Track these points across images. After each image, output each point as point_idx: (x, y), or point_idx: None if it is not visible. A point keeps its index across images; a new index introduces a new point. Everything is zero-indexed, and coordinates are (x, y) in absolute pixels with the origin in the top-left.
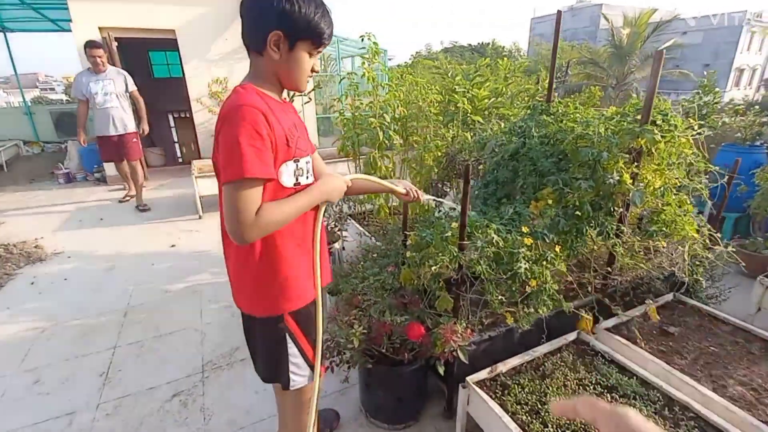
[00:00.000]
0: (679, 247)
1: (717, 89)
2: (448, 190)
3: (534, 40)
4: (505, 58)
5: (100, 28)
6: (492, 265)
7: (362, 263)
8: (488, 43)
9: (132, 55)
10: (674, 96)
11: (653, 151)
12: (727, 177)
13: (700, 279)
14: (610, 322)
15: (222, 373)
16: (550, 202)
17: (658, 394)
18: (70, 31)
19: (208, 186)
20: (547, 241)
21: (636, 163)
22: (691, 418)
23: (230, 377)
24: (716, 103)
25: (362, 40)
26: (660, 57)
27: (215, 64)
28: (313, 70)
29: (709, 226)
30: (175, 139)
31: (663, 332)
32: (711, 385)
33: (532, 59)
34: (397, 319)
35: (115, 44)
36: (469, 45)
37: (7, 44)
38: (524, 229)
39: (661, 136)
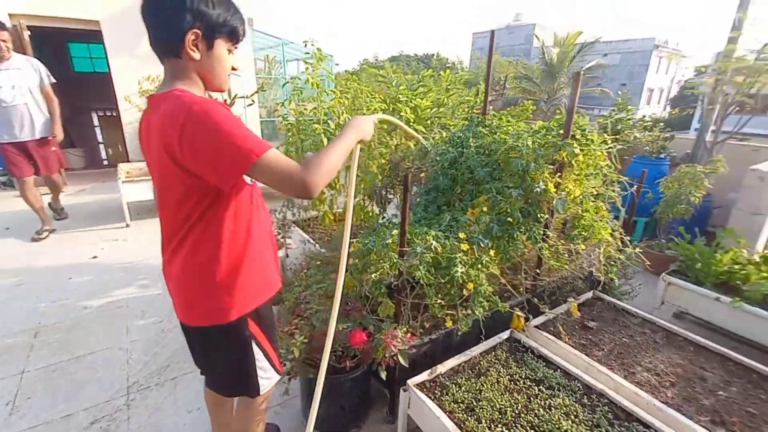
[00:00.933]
0: (596, 249)
1: (630, 107)
2: (392, 197)
3: (475, 54)
4: (448, 70)
5: (10, 15)
6: (431, 271)
7: (306, 271)
8: (433, 54)
9: (47, 46)
10: (597, 111)
11: (573, 162)
12: (636, 186)
13: (614, 277)
14: (539, 320)
15: (150, 394)
16: (485, 209)
17: (578, 384)
18: None
19: (137, 191)
20: (482, 246)
21: (559, 174)
22: (606, 404)
23: (159, 398)
24: (629, 119)
25: (305, 45)
26: (578, 78)
27: (147, 60)
28: (232, 68)
29: (621, 230)
30: (101, 140)
31: (584, 327)
32: (623, 373)
33: (473, 72)
34: (340, 326)
35: (27, 33)
36: (416, 55)
37: None
38: (461, 235)
39: (580, 150)
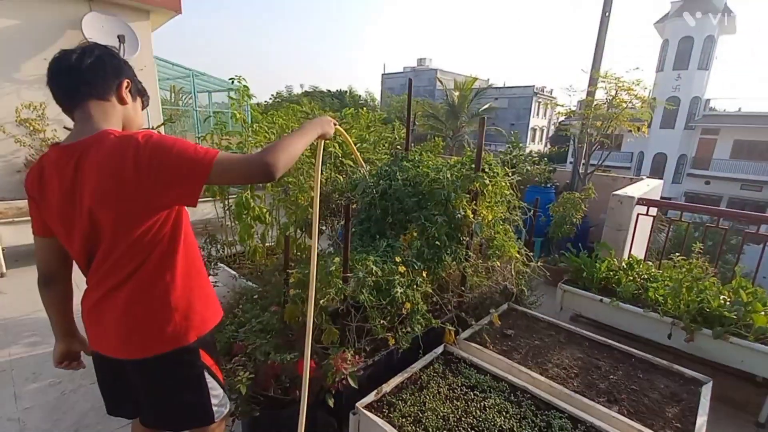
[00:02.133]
0: (508, 266)
1: (521, 144)
2: (324, 228)
3: (386, 93)
4: (365, 109)
5: None
6: (373, 293)
7: (240, 307)
8: (346, 91)
9: None
10: (494, 147)
11: (485, 192)
12: (533, 211)
13: (524, 288)
14: (467, 333)
15: None
16: (415, 234)
17: (505, 385)
18: None
19: (16, 234)
20: (416, 268)
21: (474, 202)
22: (529, 398)
23: None
24: (521, 155)
25: (232, 82)
26: (483, 122)
27: (28, 85)
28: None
29: (525, 249)
30: None
31: (503, 335)
32: (538, 370)
33: (385, 109)
34: (287, 357)
35: None
36: (329, 91)
37: None
38: (397, 259)
39: (489, 181)
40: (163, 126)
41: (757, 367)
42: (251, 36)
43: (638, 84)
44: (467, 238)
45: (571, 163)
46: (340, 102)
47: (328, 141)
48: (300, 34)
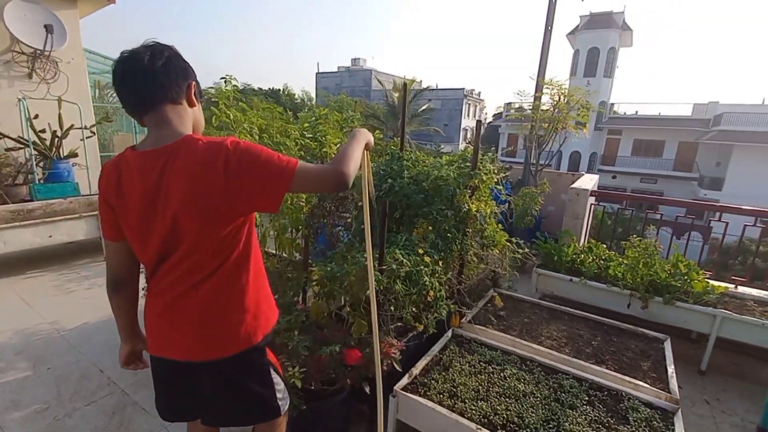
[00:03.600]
0: (498, 253)
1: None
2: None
3: (321, 92)
4: (336, 112)
5: None
6: (405, 283)
7: None
8: (278, 89)
9: None
10: (431, 145)
11: (480, 187)
12: (508, 204)
13: (516, 273)
14: (468, 316)
15: None
16: (430, 228)
17: (515, 357)
18: None
19: None
20: (435, 258)
21: (471, 197)
22: (537, 366)
23: None
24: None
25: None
26: (479, 124)
27: None
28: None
29: (515, 238)
30: None
31: (498, 316)
32: (535, 343)
33: (324, 108)
34: (335, 349)
35: None
36: (260, 89)
37: None
38: (420, 251)
39: (485, 177)
40: (95, 126)
41: (695, 324)
42: (184, 31)
43: (578, 91)
44: (470, 230)
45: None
46: (275, 100)
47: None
48: (233, 30)
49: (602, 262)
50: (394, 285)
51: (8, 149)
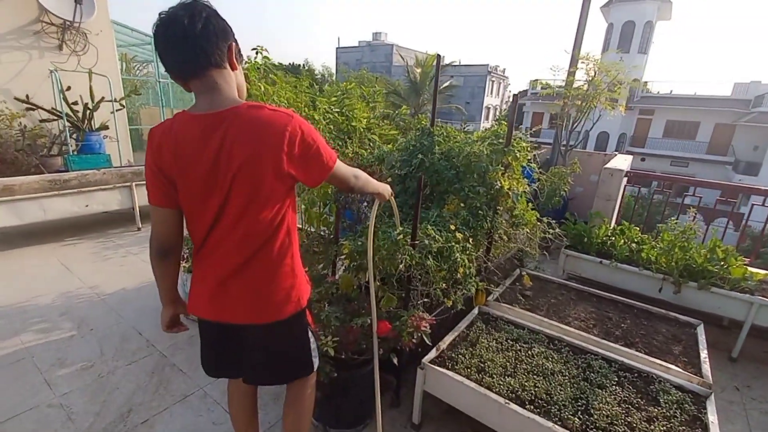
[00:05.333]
0: (527, 232)
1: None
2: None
3: (341, 67)
4: (364, 86)
5: None
6: (437, 259)
7: None
8: (300, 65)
9: None
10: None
11: (512, 164)
12: (537, 183)
13: (537, 253)
14: (495, 295)
15: None
16: (462, 204)
17: (542, 336)
18: None
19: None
20: (465, 235)
21: (505, 174)
22: (565, 345)
23: None
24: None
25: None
26: (515, 99)
27: None
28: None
29: (546, 217)
30: None
31: (524, 295)
32: (563, 323)
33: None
34: (367, 320)
35: None
36: (281, 64)
37: None
38: (452, 227)
39: (518, 154)
40: (124, 99)
41: (730, 311)
42: None
43: (616, 66)
44: (500, 208)
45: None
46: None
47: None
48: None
49: (634, 245)
50: (426, 260)
51: (42, 120)
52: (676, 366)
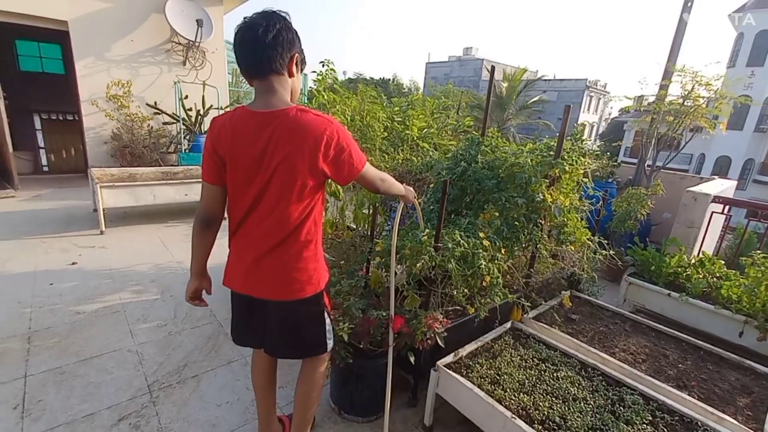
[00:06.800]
0: (577, 252)
1: (584, 138)
2: (396, 205)
3: (430, 82)
4: (430, 98)
5: None
6: (460, 264)
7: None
8: (389, 79)
9: None
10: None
11: (561, 178)
12: (600, 202)
13: (594, 275)
14: (534, 312)
15: (173, 392)
16: (496, 213)
17: (575, 361)
18: None
19: (115, 197)
20: (496, 245)
21: (551, 187)
22: (599, 375)
23: (185, 394)
24: (582, 147)
25: (322, 65)
26: (567, 110)
27: (117, 65)
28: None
29: (598, 236)
30: (41, 145)
31: (568, 318)
32: (606, 353)
33: (445, 101)
34: (383, 313)
35: None
36: (372, 78)
37: None
38: (481, 235)
39: (568, 167)
40: (229, 107)
41: None
42: (300, 23)
43: (718, 80)
44: (542, 221)
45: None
46: (383, 89)
47: (404, 199)
48: (346, 22)
49: (715, 279)
50: (448, 264)
51: (165, 123)
52: (734, 418)
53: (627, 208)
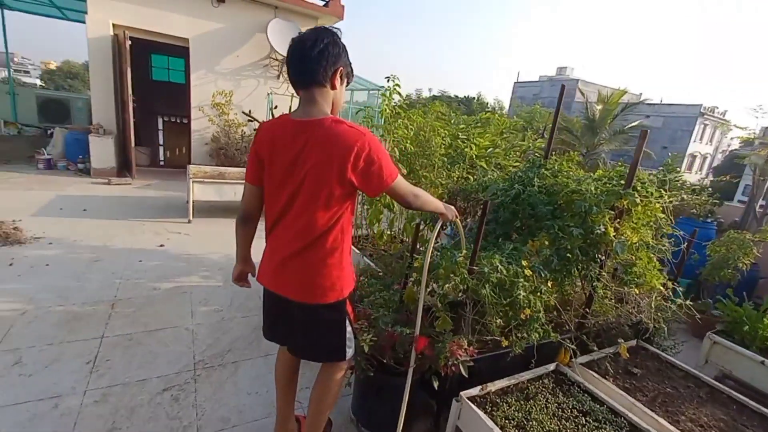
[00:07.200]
0: (646, 297)
1: (678, 169)
2: (448, 224)
3: (516, 102)
4: (503, 116)
5: (114, 25)
6: (495, 291)
7: (361, 280)
8: (473, 98)
9: (133, 54)
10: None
11: (632, 210)
12: (686, 243)
13: (664, 327)
14: (585, 358)
15: (213, 373)
16: (546, 242)
17: (624, 421)
18: (75, 21)
19: (204, 191)
20: (542, 276)
21: (618, 220)
22: None
23: (222, 377)
24: (677, 180)
25: (387, 80)
26: (645, 135)
27: (223, 77)
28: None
29: (673, 282)
30: (161, 142)
31: (627, 372)
32: (667, 419)
33: (516, 120)
34: (406, 330)
35: (129, 43)
36: (456, 96)
37: (3, 21)
38: (524, 263)
39: (640, 200)
40: None
41: None
42: (385, 42)
43: None
44: (602, 257)
45: (739, 201)
46: (466, 107)
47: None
48: (431, 40)
49: None
50: (481, 289)
51: (255, 130)
52: None
53: (725, 254)
